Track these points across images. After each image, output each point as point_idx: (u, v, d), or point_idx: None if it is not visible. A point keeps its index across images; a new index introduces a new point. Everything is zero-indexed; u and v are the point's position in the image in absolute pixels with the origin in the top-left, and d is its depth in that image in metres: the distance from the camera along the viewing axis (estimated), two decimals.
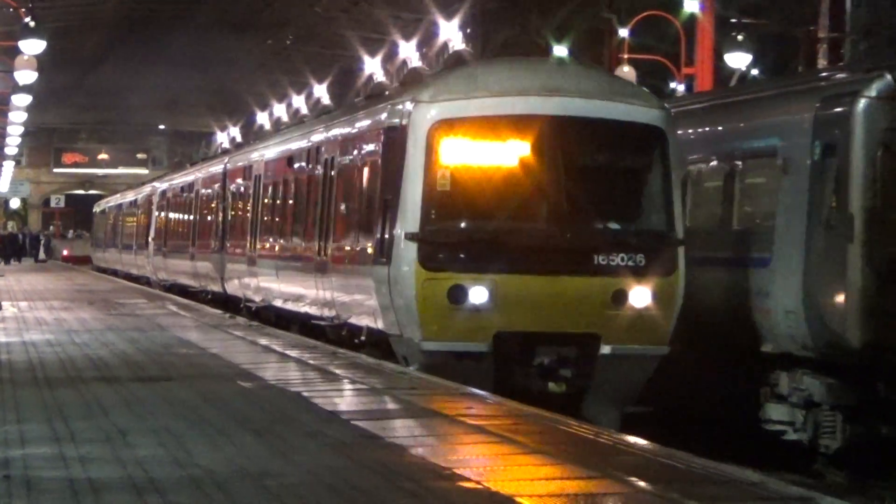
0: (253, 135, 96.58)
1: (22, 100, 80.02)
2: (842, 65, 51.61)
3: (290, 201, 38.54)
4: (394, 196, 20.98)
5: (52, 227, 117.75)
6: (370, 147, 25.37)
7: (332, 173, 31.12)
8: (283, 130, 63.81)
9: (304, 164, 36.83)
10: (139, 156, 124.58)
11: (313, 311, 32.91)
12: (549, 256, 19.14)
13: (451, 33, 61.26)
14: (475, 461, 19.38)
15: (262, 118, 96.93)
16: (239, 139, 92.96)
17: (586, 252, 19.54)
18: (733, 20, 69.34)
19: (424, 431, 23.27)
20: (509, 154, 19.24)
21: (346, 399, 26.79)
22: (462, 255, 19.42)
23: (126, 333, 36.40)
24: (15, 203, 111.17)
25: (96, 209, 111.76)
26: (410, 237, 19.25)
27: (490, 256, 19.46)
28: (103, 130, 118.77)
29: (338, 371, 30.21)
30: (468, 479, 17.02)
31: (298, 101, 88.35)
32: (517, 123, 19.51)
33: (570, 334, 19.20)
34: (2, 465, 16.07)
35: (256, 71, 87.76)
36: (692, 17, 67.56)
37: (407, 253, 19.43)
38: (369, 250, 23.40)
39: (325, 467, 17.02)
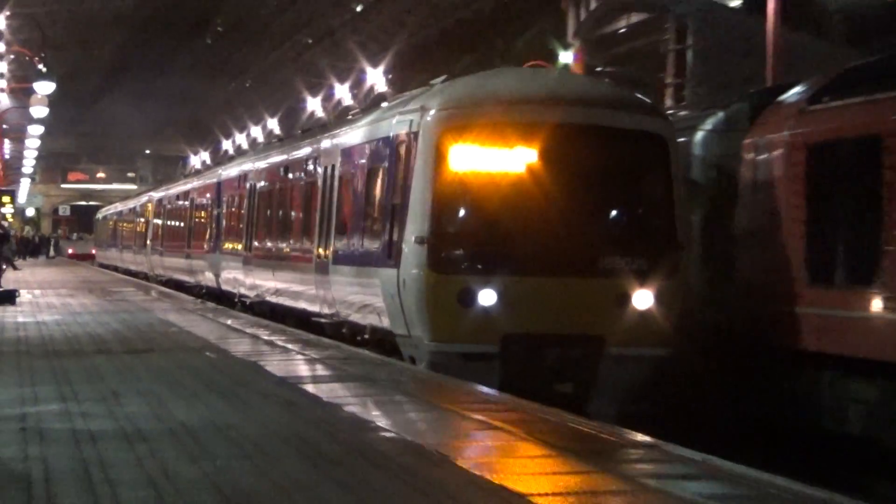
0: (219, 156, 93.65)
1: (35, 130, 79.99)
2: (684, 104, 50.75)
3: (288, 207, 35.06)
4: (402, 201, 19.00)
5: (59, 231, 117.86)
6: (376, 154, 22.69)
7: (333, 180, 28.18)
8: (277, 142, 56.63)
9: (301, 171, 33.46)
10: (129, 174, 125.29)
11: (311, 307, 29.60)
12: (556, 259, 17.34)
13: (376, 78, 59.59)
14: (406, 417, 19.61)
15: (227, 144, 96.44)
16: (208, 161, 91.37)
17: (591, 255, 17.75)
18: (599, 68, 67.61)
19: (352, 393, 21.88)
20: (517, 160, 17.43)
21: (291, 367, 24.62)
22: (471, 259, 17.58)
23: (118, 315, 36.16)
24: (30, 211, 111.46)
25: (98, 216, 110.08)
26: (420, 241, 17.51)
27: (498, 259, 17.56)
28: (100, 154, 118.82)
29: (286, 345, 28.80)
30: (390, 431, 17.71)
31: (255, 132, 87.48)
32: (525, 130, 17.53)
33: (575, 336, 17.50)
34: (19, 419, 16.95)
35: (222, 107, 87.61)
36: (566, 66, 65.75)
37: (416, 256, 17.72)
38: (376, 253, 21.35)
39: (274, 421, 17.38)
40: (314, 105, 72.09)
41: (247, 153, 62.50)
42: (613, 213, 18.52)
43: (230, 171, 50.83)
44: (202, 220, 54.11)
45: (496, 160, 17.34)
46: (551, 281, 17.39)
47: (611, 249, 17.81)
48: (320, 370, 23.92)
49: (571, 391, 17.66)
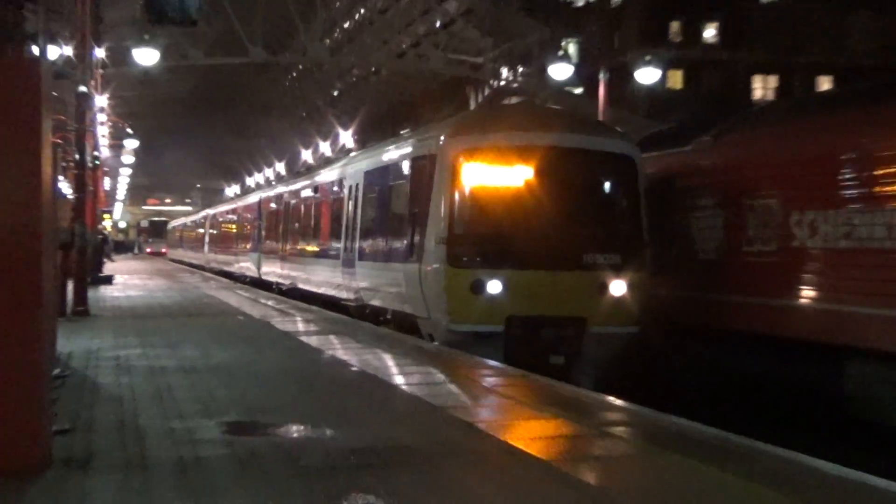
0: (244, 187, 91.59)
1: (125, 171, 79.18)
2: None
3: (317, 217, 32.39)
4: (423, 209, 17.61)
5: (140, 236, 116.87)
6: (397, 174, 21.50)
7: (357, 195, 25.92)
8: (305, 172, 52.12)
9: (328, 190, 30.87)
10: (186, 200, 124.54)
11: (337, 293, 27.25)
12: (548, 255, 16.34)
13: (346, 138, 57.34)
14: (361, 355, 18.14)
15: (249, 180, 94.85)
16: (238, 191, 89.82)
17: (577, 252, 16.66)
18: None
19: (340, 343, 20.50)
20: (516, 176, 16.55)
21: (291, 326, 23.47)
22: (480, 255, 16.34)
23: (179, 292, 35.72)
24: (122, 224, 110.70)
25: (170, 226, 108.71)
26: (440, 241, 16.38)
27: (502, 256, 16.41)
28: (167, 186, 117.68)
29: (291, 311, 27.59)
30: (355, 366, 17.03)
31: (268, 172, 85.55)
32: (522, 152, 16.62)
33: (565, 318, 16.35)
34: (114, 358, 16.77)
35: (246, 155, 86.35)
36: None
37: (438, 253, 16.42)
38: (398, 251, 19.61)
39: (281, 360, 17.20)
40: (306, 155, 70.65)
41: (281, 180, 56.80)
42: (593, 218, 17.47)
43: (267, 192, 47.72)
44: (246, 228, 50.92)
45: (499, 176, 16.67)
46: (545, 273, 16.45)
47: (592, 247, 16.92)
48: (311, 328, 23.01)
49: (563, 363, 16.43)
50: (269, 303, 31.29)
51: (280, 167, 74.74)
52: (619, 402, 13.48)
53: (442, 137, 17.12)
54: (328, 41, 49.18)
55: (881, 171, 16.62)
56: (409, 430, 10.64)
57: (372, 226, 23.60)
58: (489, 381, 14.95)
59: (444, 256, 16.29)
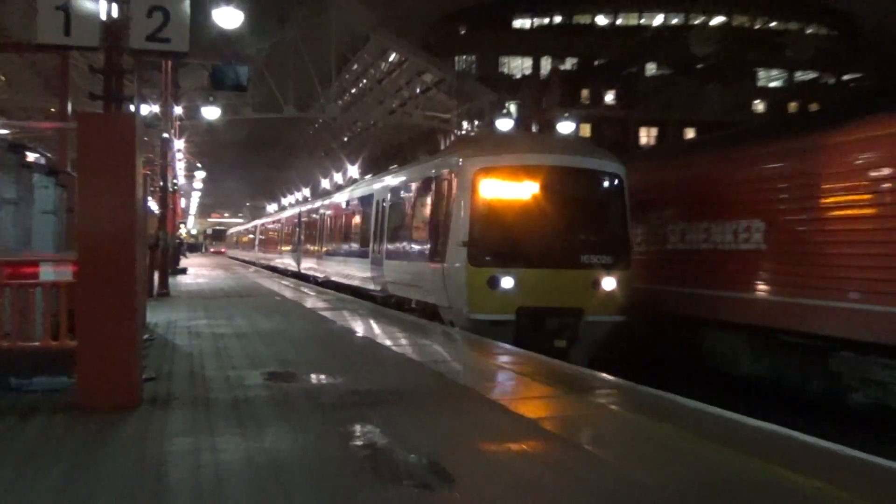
0: (281, 205, 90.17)
1: (196, 193, 77.94)
2: None
3: (350, 225, 29.92)
4: (445, 218, 16.71)
5: (206, 240, 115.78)
6: (421, 189, 19.76)
7: (384, 207, 23.94)
8: (335, 190, 48.88)
9: (358, 203, 28.28)
10: (239, 214, 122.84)
11: (365, 285, 25.32)
12: (552, 256, 15.63)
13: (354, 171, 56.15)
14: (385, 331, 17.25)
15: (283, 200, 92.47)
16: (276, 208, 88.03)
17: (575, 253, 15.97)
18: None
19: (349, 317, 19.93)
20: (525, 190, 15.91)
21: (316, 304, 23.23)
22: (496, 256, 15.58)
23: (234, 279, 35.36)
24: (193, 231, 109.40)
25: (228, 232, 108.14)
26: (462, 244, 15.60)
27: (514, 257, 15.65)
28: (225, 204, 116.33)
29: (315, 295, 26.65)
30: (360, 333, 17.04)
31: (298, 195, 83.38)
32: (530, 170, 15.96)
33: (565, 308, 15.67)
34: (187, 327, 16.44)
35: (283, 181, 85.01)
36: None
37: (460, 255, 15.61)
38: (424, 252, 18.30)
39: (306, 328, 16.91)
40: (325, 183, 69.12)
41: (315, 197, 53.50)
42: (589, 225, 16.50)
43: (305, 207, 44.66)
44: (287, 234, 47.77)
45: (510, 190, 15.77)
46: (549, 271, 15.49)
47: (587, 249, 15.99)
48: (329, 306, 22.30)
49: (565, 346, 15.54)
50: (301, 289, 30.97)
51: (306, 191, 74.14)
52: (572, 367, 12.35)
53: (462, 159, 16.18)
54: (340, 102, 48.82)
55: (723, 195, 17.46)
56: (397, 378, 10.63)
57: (397, 232, 21.99)
58: (459, 345, 14.73)
59: (466, 257, 15.29)
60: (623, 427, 8.29)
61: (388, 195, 23.19)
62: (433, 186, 18.68)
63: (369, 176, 37.84)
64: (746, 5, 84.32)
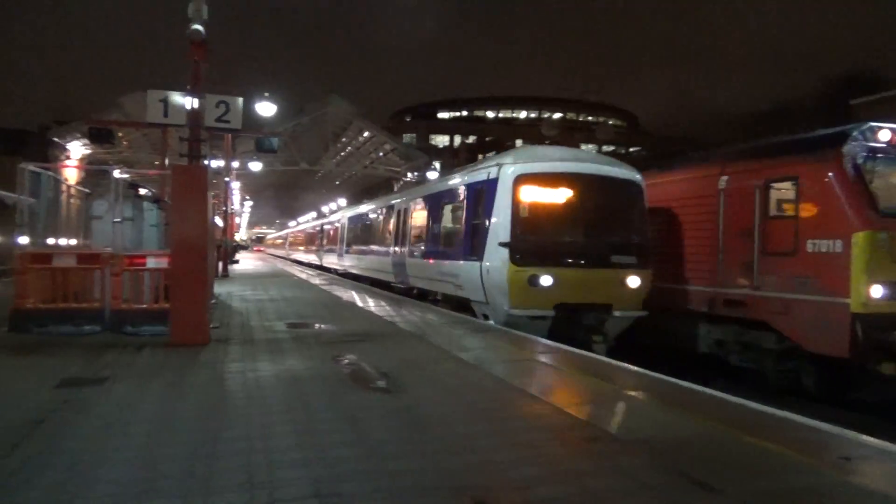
0: (297, 219, 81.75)
1: (245, 215, 75.25)
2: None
3: (369, 230, 23.74)
4: (483, 220, 12.57)
5: (252, 243, 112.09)
6: (451, 196, 15.01)
7: (406, 213, 18.50)
8: (354, 203, 38.49)
9: (380, 211, 22.30)
10: (272, 228, 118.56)
11: (386, 278, 19.67)
12: (587, 256, 11.87)
13: (342, 202, 53.04)
14: (368, 299, 16.26)
15: (300, 218, 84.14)
16: (297, 223, 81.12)
17: (606, 254, 12.10)
18: None
19: (344, 289, 19.33)
20: (560, 195, 12.19)
21: (321, 281, 22.43)
22: (536, 256, 11.67)
23: (269, 268, 34.81)
24: (244, 237, 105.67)
25: (266, 238, 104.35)
26: (504, 245, 11.65)
27: (552, 257, 11.74)
28: (264, 220, 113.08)
29: (321, 276, 25.56)
30: (353, 301, 16.19)
31: (312, 213, 73.75)
32: (566, 177, 12.21)
33: (597, 304, 11.86)
34: (240, 295, 15.97)
35: (297, 209, 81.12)
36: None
37: (501, 254, 11.64)
38: (456, 251, 13.87)
39: (315, 296, 16.42)
40: (325, 209, 65.73)
41: (336, 210, 43.14)
42: (616, 228, 12.42)
43: (330, 218, 37.01)
44: (313, 237, 41.47)
45: (548, 195, 11.86)
46: (584, 270, 11.62)
47: (616, 251, 12.04)
48: (330, 283, 21.80)
49: (601, 342, 11.61)
50: (313, 273, 30.60)
51: (313, 213, 71.54)
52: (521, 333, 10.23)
53: (504, 166, 12.18)
54: (335, 160, 48.49)
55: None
56: (372, 326, 10.50)
57: (421, 234, 16.73)
58: (407, 306, 14.30)
59: (507, 257, 11.37)
60: (510, 353, 8.07)
61: (411, 205, 18.04)
62: (468, 192, 14.14)
63: (398, 191, 29.36)
64: (573, 107, 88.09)
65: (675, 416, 5.17)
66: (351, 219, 27.89)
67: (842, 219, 8.68)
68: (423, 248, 16.11)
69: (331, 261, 32.35)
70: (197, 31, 9.49)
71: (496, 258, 11.53)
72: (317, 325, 10.50)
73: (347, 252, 27.84)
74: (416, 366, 7.08)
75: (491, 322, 11.41)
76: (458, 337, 9.51)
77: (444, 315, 12.27)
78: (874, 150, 8.97)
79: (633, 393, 5.96)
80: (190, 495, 3.49)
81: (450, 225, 14.68)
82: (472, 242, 12.52)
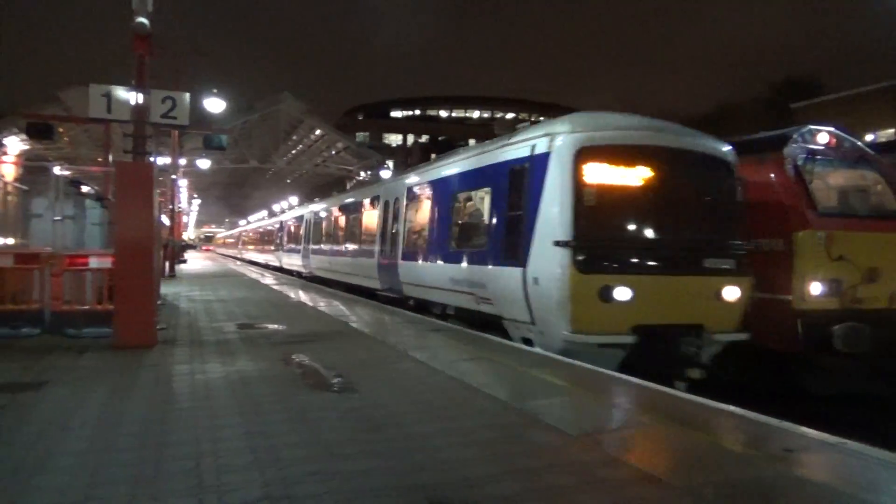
0: (248, 219, 76.94)
1: (193, 214, 73.48)
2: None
3: (347, 225, 18.96)
4: (526, 211, 8.53)
5: (200, 242, 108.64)
6: (474, 180, 10.86)
7: (398, 206, 14.35)
8: (319, 199, 30.75)
9: (368, 199, 17.24)
10: (221, 227, 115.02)
11: (370, 284, 15.67)
12: (673, 260, 8.08)
13: (294, 201, 50.32)
14: (316, 298, 16.17)
15: (250, 217, 79.35)
16: (246, 222, 76.73)
17: (698, 256, 8.32)
18: None
19: (293, 289, 19.05)
20: (638, 176, 8.20)
21: (271, 281, 22.21)
22: (609, 259, 7.73)
23: (219, 267, 34.04)
24: (192, 237, 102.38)
25: (217, 237, 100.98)
26: (562, 244, 7.64)
27: (631, 260, 7.91)
28: (214, 219, 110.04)
29: (270, 275, 25.33)
30: (301, 300, 15.93)
31: (259, 214, 70.38)
32: (641, 152, 8.21)
33: (685, 325, 8.03)
34: (187, 295, 15.64)
35: (248, 207, 79.28)
36: None
37: (556, 257, 7.65)
38: (483, 253, 9.87)
39: (265, 296, 16.17)
40: (276, 208, 63.55)
41: (294, 207, 39.71)
42: (708, 221, 8.86)
43: (293, 212, 32.04)
44: (271, 235, 38.99)
45: (620, 175, 8.34)
46: (670, 279, 8.22)
47: (710, 252, 8.59)
48: (279, 283, 21.48)
49: (698, 376, 8.17)
50: (263, 272, 30.15)
51: (264, 213, 69.74)
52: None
53: (559, 137, 8.73)
54: (285, 158, 47.88)
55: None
56: (325, 327, 10.39)
57: (424, 230, 12.77)
58: (356, 305, 14.13)
59: (568, 261, 7.97)
60: (464, 352, 8.17)
61: (410, 193, 13.95)
62: (501, 174, 10.10)
63: (391, 176, 23.89)
64: (525, 107, 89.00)
65: (620, 412, 5.22)
66: (320, 213, 23.16)
67: (783, 219, 8.85)
68: (426, 247, 12.37)
69: (293, 262, 27.69)
70: (142, 24, 9.26)
71: (549, 263, 8.21)
72: (268, 326, 10.36)
73: (316, 252, 23.16)
74: (369, 365, 7.03)
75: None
76: (412, 336, 9.48)
77: (398, 314, 12.21)
78: (813, 153, 9.25)
79: (582, 389, 6.01)
80: (135, 502, 3.40)
81: (471, 218, 10.99)
82: (509, 241, 9.18)
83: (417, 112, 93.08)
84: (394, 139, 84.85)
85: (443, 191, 11.96)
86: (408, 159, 59.55)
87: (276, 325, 10.41)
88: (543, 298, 8.24)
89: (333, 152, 46.05)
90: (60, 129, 28.73)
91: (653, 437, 4.60)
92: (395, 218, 14.27)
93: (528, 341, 8.71)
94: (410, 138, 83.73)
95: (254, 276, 26.42)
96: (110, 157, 16.07)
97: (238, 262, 45.19)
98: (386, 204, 15.06)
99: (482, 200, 10.40)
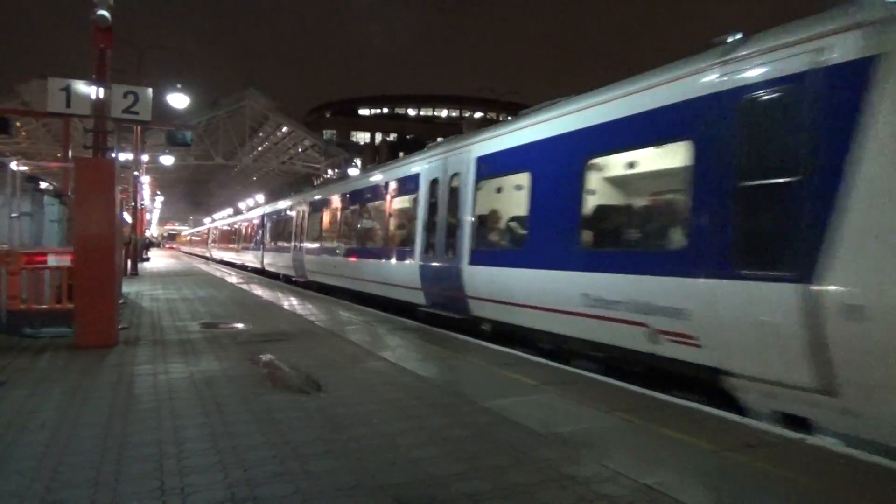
0: (213, 219, 75.06)
1: (156, 211, 72.37)
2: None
3: (376, 218, 13.81)
4: (820, 175, 3.37)
5: (164, 240, 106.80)
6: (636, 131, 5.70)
7: (452, 190, 9.83)
8: (266, 203, 32.47)
9: (408, 181, 11.86)
10: (185, 224, 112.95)
11: (409, 298, 11.17)
12: None
13: (260, 199, 48.55)
14: (280, 296, 16.30)
15: (215, 215, 78.77)
16: (215, 219, 74.61)
17: None
18: None
19: (258, 286, 18.87)
20: None
21: (235, 279, 22.28)
22: None
23: (181, 265, 33.56)
24: (155, 234, 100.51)
25: (184, 234, 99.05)
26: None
27: None
28: (177, 217, 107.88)
29: (234, 273, 25.10)
30: (267, 299, 15.74)
31: (225, 213, 70.03)
32: None
33: None
34: (150, 294, 15.41)
35: (213, 205, 78.13)
36: None
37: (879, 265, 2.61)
38: (671, 255, 5.26)
39: (230, 295, 15.93)
40: (242, 206, 62.55)
41: (255, 207, 38.10)
42: None
43: (279, 204, 25.86)
44: (249, 232, 35.24)
45: None
46: None
47: None
48: (243, 280, 21.28)
49: None
50: (224, 269, 29.72)
51: (229, 210, 68.65)
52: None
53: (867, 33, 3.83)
54: (251, 155, 47.31)
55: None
56: (292, 326, 10.29)
57: (504, 221, 9.13)
58: (323, 303, 14.07)
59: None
60: (432, 351, 8.12)
61: (472, 168, 9.39)
62: (708, 113, 5.41)
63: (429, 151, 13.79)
64: (493, 106, 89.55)
65: (589, 409, 5.29)
66: (323, 201, 17.99)
67: None
68: (524, 244, 8.19)
69: (280, 264, 22.82)
70: (102, 16, 9.09)
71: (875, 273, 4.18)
72: (233, 325, 10.25)
73: (315, 251, 17.84)
74: (337, 365, 7.01)
75: (413, 322, 6.86)
76: (381, 335, 9.46)
77: (365, 314, 12.18)
78: None
79: (548, 387, 6.07)
80: None
81: (644, 196, 7.01)
82: (763, 233, 5.01)
83: (385, 110, 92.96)
84: (361, 137, 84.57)
85: (565, 154, 7.39)
86: (376, 157, 59.35)
87: (241, 325, 10.31)
88: (874, 347, 4.15)
89: (300, 150, 45.71)
90: (18, 124, 28.02)
91: (620, 434, 4.66)
92: (456, 201, 9.77)
93: (795, 420, 4.84)
94: (378, 136, 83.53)
95: (217, 274, 26.02)
96: (70, 153, 15.74)
97: (210, 263, 43.00)
98: (435, 183, 10.62)
99: (673, 162, 6.07)
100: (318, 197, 18.86)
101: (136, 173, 25.39)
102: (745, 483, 3.74)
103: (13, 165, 9.43)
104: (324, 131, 73.80)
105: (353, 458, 4.01)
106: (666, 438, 4.51)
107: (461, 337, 9.18)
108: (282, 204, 24.54)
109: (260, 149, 48.34)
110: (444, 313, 10.02)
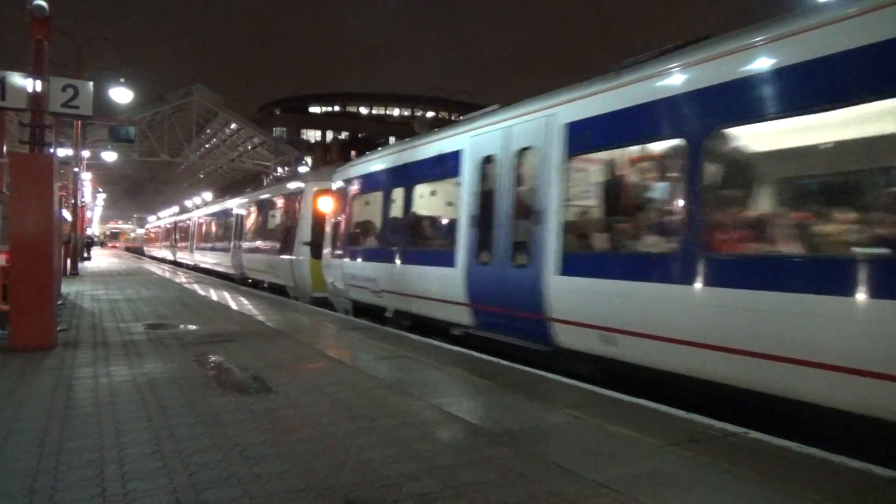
0: (156, 216, 72.36)
1: (98, 209, 70.08)
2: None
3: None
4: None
5: (106, 238, 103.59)
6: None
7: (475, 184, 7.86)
8: (214, 200, 32.09)
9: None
10: (129, 223, 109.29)
11: (450, 316, 8.13)
12: None
13: (208, 196, 48.71)
14: (228, 295, 16.09)
15: (161, 213, 76.59)
16: (157, 219, 72.87)
17: None
18: None
19: (204, 286, 18.65)
20: None
21: (181, 279, 21.97)
22: None
23: (124, 264, 32.71)
24: (97, 232, 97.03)
25: (129, 234, 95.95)
26: None
27: None
28: (121, 215, 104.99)
29: (179, 273, 24.88)
30: (215, 298, 15.54)
31: (170, 210, 68.74)
32: None
33: None
34: (91, 295, 14.94)
35: (158, 203, 77.17)
36: None
37: None
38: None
39: (175, 295, 15.54)
40: (189, 203, 62.16)
41: (195, 208, 36.93)
42: None
43: (183, 216, 28.79)
44: (159, 235, 34.17)
45: None
46: None
47: None
48: (189, 280, 21.00)
49: None
50: (168, 268, 29.04)
51: (175, 208, 67.58)
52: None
53: None
54: (198, 152, 46.32)
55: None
56: (240, 326, 10.15)
57: (614, 212, 6.02)
58: (272, 303, 13.93)
59: None
60: (381, 351, 8.07)
61: (511, 156, 7.33)
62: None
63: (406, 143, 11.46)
64: (445, 106, 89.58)
65: (539, 407, 5.34)
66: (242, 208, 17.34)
67: None
68: (676, 246, 5.37)
69: (183, 256, 22.24)
70: (39, 6, 8.77)
71: None
72: (179, 326, 10.05)
73: (352, 253, 12.19)
74: (286, 366, 6.92)
75: (364, 321, 6.17)
76: (330, 336, 9.40)
77: (315, 314, 12.04)
78: None
79: (501, 386, 6.08)
80: None
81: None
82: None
83: (337, 108, 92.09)
84: (312, 135, 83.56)
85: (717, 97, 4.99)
86: (327, 156, 58.81)
87: (188, 326, 10.11)
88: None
89: (249, 147, 44.99)
90: None
91: (570, 431, 4.70)
92: (530, 185, 7.21)
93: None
94: (330, 135, 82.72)
95: (162, 273, 25.43)
96: (4, 148, 15.12)
97: (156, 263, 40.11)
98: (490, 162, 7.93)
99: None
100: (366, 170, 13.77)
101: (76, 170, 24.62)
102: (690, 478, 3.81)
103: None
104: (273, 129, 72.75)
105: (303, 459, 3.96)
106: (615, 435, 4.57)
107: (408, 335, 9.05)
108: (249, 196, 21.51)
109: (207, 146, 47.38)
110: (506, 339, 7.50)
